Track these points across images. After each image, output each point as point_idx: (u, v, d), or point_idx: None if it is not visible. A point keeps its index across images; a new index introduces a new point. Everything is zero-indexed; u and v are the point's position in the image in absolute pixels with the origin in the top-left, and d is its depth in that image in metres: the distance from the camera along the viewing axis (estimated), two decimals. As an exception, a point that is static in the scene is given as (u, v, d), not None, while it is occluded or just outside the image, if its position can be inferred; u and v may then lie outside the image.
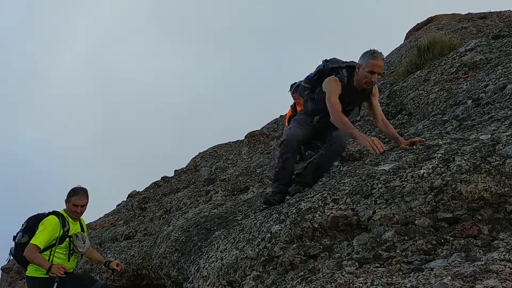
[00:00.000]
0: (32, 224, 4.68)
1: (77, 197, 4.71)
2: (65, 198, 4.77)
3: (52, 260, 4.53)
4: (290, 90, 7.50)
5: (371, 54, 4.18)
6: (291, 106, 7.69)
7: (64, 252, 4.64)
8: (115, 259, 5.45)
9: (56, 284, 4.37)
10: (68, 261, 4.66)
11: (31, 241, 4.46)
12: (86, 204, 4.80)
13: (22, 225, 4.80)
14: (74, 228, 4.75)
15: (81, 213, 4.78)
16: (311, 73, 4.67)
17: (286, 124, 7.75)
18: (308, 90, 4.68)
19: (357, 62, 4.33)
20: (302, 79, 4.90)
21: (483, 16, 12.05)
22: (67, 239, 4.65)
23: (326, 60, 4.54)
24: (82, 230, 4.90)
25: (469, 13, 13.31)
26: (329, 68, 4.45)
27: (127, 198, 12.39)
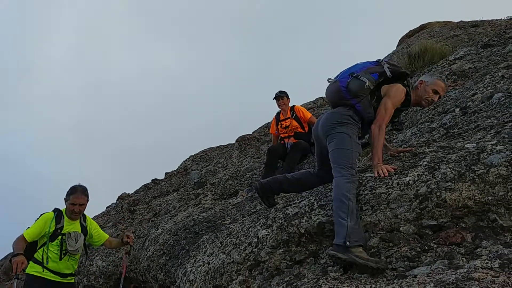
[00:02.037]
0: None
1: (75, 196, 4.68)
2: (65, 196, 4.74)
3: (43, 257, 4.55)
4: (275, 97, 7.39)
5: (440, 77, 4.05)
6: (275, 116, 7.56)
7: (56, 251, 4.61)
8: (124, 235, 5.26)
9: (16, 281, 4.38)
10: (60, 260, 4.63)
11: (24, 232, 4.52)
12: (85, 203, 4.78)
13: None
14: (70, 227, 4.70)
15: (80, 212, 4.73)
16: (365, 68, 3.83)
17: (272, 131, 7.66)
18: (370, 92, 3.81)
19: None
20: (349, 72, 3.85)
21: (475, 24, 12.15)
22: (59, 237, 4.63)
23: (382, 61, 3.90)
24: (85, 231, 4.85)
25: (461, 21, 13.42)
26: (399, 72, 3.89)
27: (117, 200, 12.34)
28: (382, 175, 3.50)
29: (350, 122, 3.72)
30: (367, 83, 3.72)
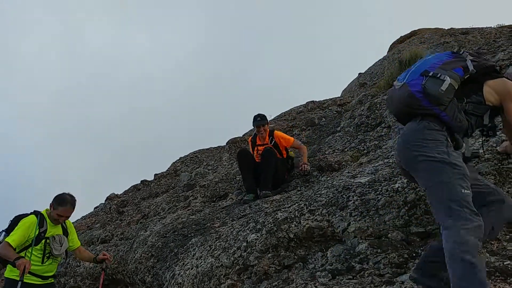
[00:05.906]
0: (13, 224, 4.63)
1: (64, 208, 4.61)
2: (52, 202, 4.68)
3: None
4: (255, 122, 6.54)
5: None
6: (251, 138, 6.85)
7: (39, 254, 4.56)
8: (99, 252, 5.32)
9: (20, 283, 4.28)
10: (42, 263, 4.58)
11: (6, 239, 4.43)
12: (70, 215, 4.74)
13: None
14: (52, 230, 4.67)
15: (63, 221, 4.73)
16: (442, 63, 2.78)
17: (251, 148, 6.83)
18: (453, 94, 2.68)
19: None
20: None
21: (465, 32, 12.27)
22: (43, 240, 4.58)
23: (462, 53, 2.87)
24: (66, 233, 4.82)
25: (451, 28, 13.56)
26: (490, 65, 2.85)
27: (105, 201, 12.27)
28: None
29: (440, 139, 2.62)
30: (451, 82, 2.66)
